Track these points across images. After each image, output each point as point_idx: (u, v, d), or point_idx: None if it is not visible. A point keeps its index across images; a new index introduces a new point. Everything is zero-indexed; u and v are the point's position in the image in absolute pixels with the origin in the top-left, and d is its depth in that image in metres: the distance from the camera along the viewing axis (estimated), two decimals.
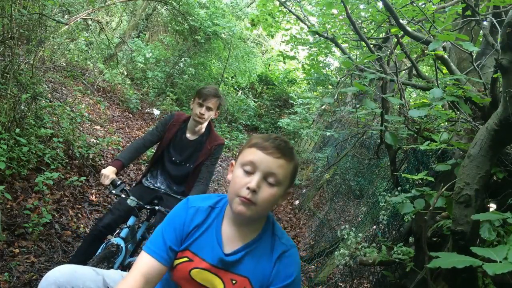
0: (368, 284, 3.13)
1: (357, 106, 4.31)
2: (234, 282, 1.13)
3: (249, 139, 1.18)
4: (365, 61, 2.08)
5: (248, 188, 1.07)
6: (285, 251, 1.17)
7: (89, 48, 8.77)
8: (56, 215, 3.27)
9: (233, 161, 1.21)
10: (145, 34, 11.49)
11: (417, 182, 2.31)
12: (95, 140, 4.98)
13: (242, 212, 1.08)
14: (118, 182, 2.16)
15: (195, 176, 2.53)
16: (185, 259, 1.15)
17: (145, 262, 1.11)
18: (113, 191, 2.14)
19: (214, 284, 1.14)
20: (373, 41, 3.19)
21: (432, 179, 1.77)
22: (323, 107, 8.13)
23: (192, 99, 2.58)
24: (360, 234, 2.72)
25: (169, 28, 11.35)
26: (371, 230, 3.39)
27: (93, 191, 4.04)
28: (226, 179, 1.22)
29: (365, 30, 4.21)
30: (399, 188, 2.38)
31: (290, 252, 1.18)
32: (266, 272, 1.15)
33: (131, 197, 2.14)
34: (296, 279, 1.16)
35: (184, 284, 1.16)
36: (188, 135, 2.59)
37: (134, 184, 4.57)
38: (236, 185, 1.10)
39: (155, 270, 1.10)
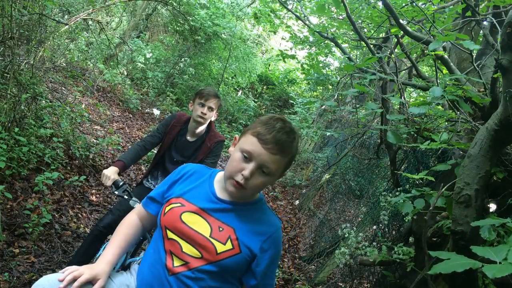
0: (368, 284, 3.13)
1: (357, 106, 4.31)
2: (221, 229, 1.21)
3: (255, 123, 1.24)
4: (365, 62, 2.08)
5: (242, 175, 1.17)
6: (273, 233, 1.26)
7: (89, 48, 8.77)
8: (56, 215, 3.27)
9: (237, 136, 1.30)
10: (145, 34, 11.49)
11: (417, 182, 2.31)
12: (95, 140, 4.97)
13: (233, 192, 1.21)
14: (121, 183, 2.15)
15: None
16: (178, 204, 1.26)
17: (139, 207, 1.42)
18: (116, 192, 2.13)
19: (202, 228, 1.21)
20: (373, 41, 3.19)
21: (432, 178, 1.77)
22: (323, 107, 8.13)
23: (191, 101, 2.56)
24: (360, 234, 2.72)
25: (169, 28, 11.34)
26: (371, 230, 3.39)
27: (93, 191, 4.04)
28: (228, 151, 1.33)
29: (365, 30, 4.21)
30: (399, 188, 2.38)
31: (276, 234, 1.28)
32: (252, 232, 1.23)
33: (133, 198, 2.13)
34: (278, 254, 1.30)
35: (170, 230, 1.23)
36: (188, 137, 2.58)
37: (134, 185, 4.55)
38: (232, 168, 1.20)
39: (143, 214, 1.39)
